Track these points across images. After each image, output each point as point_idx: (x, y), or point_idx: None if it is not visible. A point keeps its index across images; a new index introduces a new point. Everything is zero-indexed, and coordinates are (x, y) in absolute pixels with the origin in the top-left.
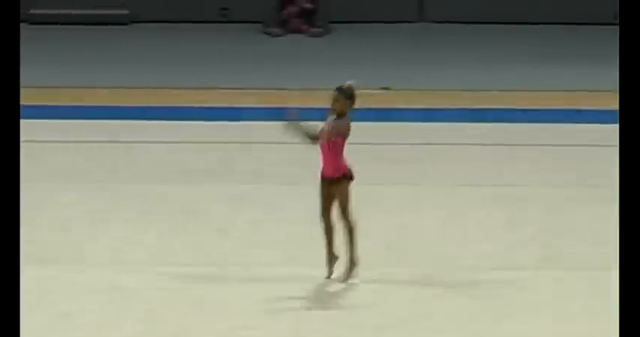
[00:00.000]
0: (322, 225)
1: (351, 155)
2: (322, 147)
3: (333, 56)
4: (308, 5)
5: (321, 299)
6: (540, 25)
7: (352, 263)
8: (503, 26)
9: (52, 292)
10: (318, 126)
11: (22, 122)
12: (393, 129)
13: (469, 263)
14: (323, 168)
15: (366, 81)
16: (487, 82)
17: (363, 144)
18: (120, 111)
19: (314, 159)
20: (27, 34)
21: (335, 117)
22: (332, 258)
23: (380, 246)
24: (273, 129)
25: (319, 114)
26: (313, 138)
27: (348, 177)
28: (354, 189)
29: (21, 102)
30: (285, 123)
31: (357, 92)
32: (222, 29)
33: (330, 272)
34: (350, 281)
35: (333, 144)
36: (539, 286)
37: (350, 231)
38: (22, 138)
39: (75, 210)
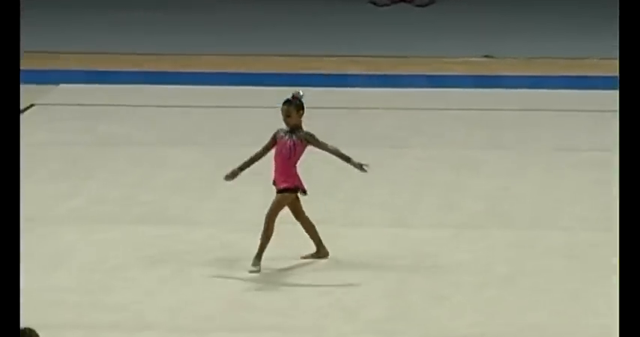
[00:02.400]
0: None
1: (456, 121)
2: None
3: (438, 25)
4: None
5: (423, 257)
6: None
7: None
8: None
9: (166, 251)
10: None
11: (144, 88)
12: (494, 95)
13: (567, 224)
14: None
15: (470, 49)
16: (587, 50)
17: (464, 109)
18: (228, 78)
19: (421, 124)
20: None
21: (288, 132)
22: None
23: (481, 208)
24: (382, 95)
25: (426, 80)
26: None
27: (292, 190)
28: None
29: (147, 69)
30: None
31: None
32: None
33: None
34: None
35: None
36: None
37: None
38: (138, 103)
39: (188, 172)
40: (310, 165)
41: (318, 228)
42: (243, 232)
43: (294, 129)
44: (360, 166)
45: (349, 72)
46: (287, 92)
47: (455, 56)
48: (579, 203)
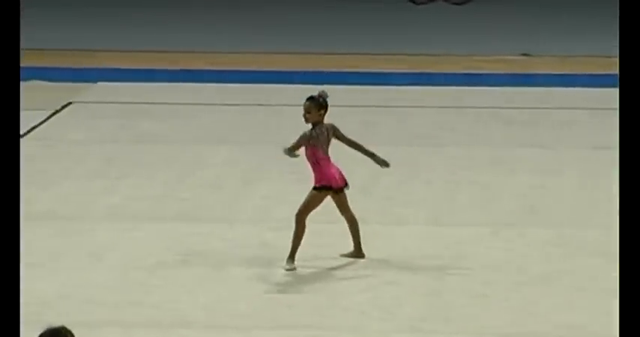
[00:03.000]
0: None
1: (492, 119)
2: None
3: (475, 23)
4: None
5: (460, 256)
6: None
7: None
8: None
9: (203, 248)
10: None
11: (181, 85)
12: (531, 93)
13: (604, 223)
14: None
15: (507, 47)
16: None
17: (501, 108)
18: (266, 76)
19: (457, 122)
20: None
21: (311, 127)
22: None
23: (517, 206)
24: (418, 93)
25: (462, 78)
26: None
27: (318, 188)
28: None
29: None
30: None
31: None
32: None
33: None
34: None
35: (310, 155)
36: None
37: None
38: (175, 101)
39: (224, 170)
40: (346, 163)
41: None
42: (280, 230)
43: (313, 126)
44: (383, 162)
45: (386, 70)
46: (325, 90)
47: (492, 54)
48: (616, 201)
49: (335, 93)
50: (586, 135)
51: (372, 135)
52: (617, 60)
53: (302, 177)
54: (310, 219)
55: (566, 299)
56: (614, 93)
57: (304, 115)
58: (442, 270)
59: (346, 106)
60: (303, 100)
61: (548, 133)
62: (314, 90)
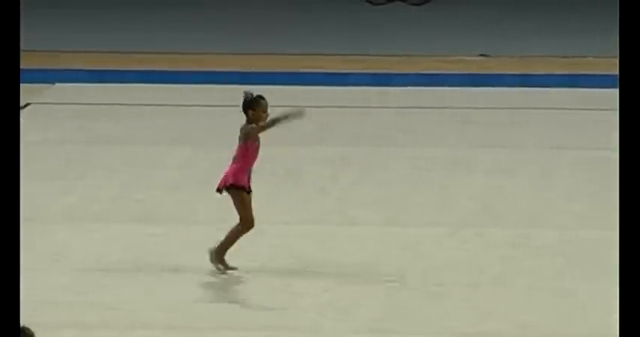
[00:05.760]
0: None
1: (450, 119)
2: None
3: (433, 24)
4: None
5: (417, 256)
6: None
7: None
8: None
9: (161, 250)
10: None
11: (139, 87)
12: (489, 94)
13: (561, 222)
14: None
15: (465, 48)
16: (583, 49)
17: (459, 108)
18: (224, 77)
19: (415, 122)
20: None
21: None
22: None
23: (475, 207)
24: (376, 94)
25: (421, 79)
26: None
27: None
28: None
29: (142, 68)
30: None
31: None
32: None
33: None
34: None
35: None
36: None
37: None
38: (133, 102)
39: (182, 171)
40: (302, 164)
41: (312, 228)
42: None
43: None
44: (298, 114)
45: (343, 70)
46: (281, 91)
47: (450, 55)
48: (574, 201)
49: (292, 94)
50: (543, 135)
51: (329, 136)
52: (574, 60)
53: (263, 178)
54: (267, 219)
55: (523, 299)
56: (572, 93)
57: (265, 114)
58: (400, 271)
59: (303, 107)
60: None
61: (505, 133)
62: (272, 90)
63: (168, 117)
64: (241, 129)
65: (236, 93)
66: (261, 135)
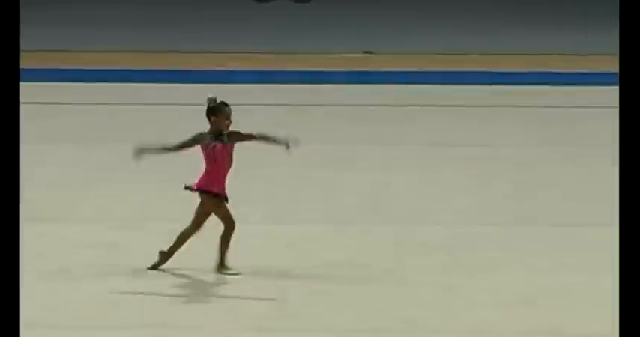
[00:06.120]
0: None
1: (335, 116)
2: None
3: (318, 21)
4: None
5: (303, 254)
6: None
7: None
8: None
9: (45, 248)
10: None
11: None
12: (373, 91)
13: (445, 219)
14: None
15: (350, 45)
16: (467, 46)
17: (344, 105)
18: (107, 75)
19: (300, 120)
20: None
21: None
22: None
23: (359, 204)
24: (261, 91)
25: (306, 76)
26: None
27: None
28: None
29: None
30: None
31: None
32: None
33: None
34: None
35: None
36: (512, 242)
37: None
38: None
39: (67, 169)
40: (194, 163)
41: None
42: (122, 230)
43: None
44: (289, 142)
45: (229, 68)
46: (169, 89)
47: (335, 52)
48: (456, 197)
49: (178, 92)
50: (426, 132)
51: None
52: (456, 57)
53: (145, 176)
54: (154, 218)
55: (409, 295)
56: (455, 90)
57: (227, 121)
58: (286, 268)
59: (190, 105)
60: (143, 99)
61: (389, 130)
62: (157, 88)
63: (53, 115)
64: (202, 136)
65: (117, 91)
66: (147, 134)
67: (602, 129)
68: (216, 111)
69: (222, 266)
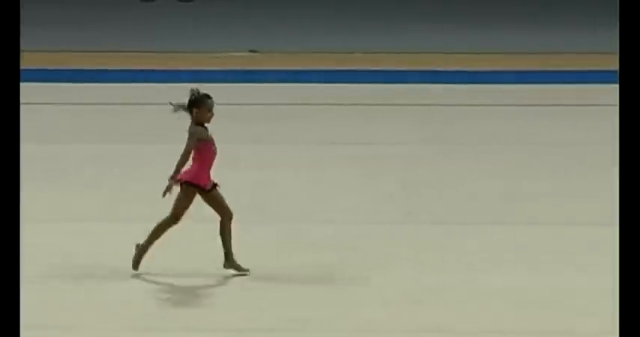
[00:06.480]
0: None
1: (219, 116)
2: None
3: (202, 20)
4: None
5: (187, 252)
6: None
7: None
8: None
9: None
10: None
11: None
12: (259, 90)
13: (332, 217)
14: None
15: (235, 44)
16: (352, 45)
17: (228, 104)
18: None
19: (181, 119)
20: None
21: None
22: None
23: (245, 202)
24: (137, 91)
25: (187, 76)
26: None
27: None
28: None
29: None
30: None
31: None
32: None
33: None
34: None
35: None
36: (399, 240)
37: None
38: None
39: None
40: (67, 162)
41: (81, 226)
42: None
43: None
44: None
45: (106, 67)
46: (45, 88)
47: (220, 51)
48: (343, 196)
49: (47, 91)
50: (314, 130)
51: (86, 133)
52: (344, 55)
53: (25, 176)
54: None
55: (296, 294)
56: (342, 88)
57: (209, 113)
58: (168, 268)
59: (60, 104)
60: (28, 98)
61: (274, 129)
62: (27, 88)
63: None
64: (189, 129)
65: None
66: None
67: (481, 127)
68: (199, 103)
69: (229, 260)
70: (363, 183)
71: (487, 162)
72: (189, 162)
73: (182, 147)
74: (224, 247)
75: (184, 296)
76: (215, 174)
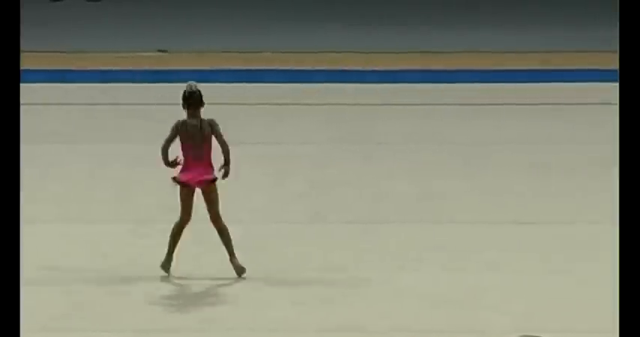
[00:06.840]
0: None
1: (129, 116)
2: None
3: (110, 20)
4: None
5: (99, 253)
6: None
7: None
8: None
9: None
10: None
11: None
12: (169, 90)
13: (241, 217)
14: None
15: (143, 44)
16: (261, 44)
17: (137, 104)
18: None
19: (95, 119)
20: None
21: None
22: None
23: (156, 202)
24: (53, 91)
25: (96, 76)
26: None
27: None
28: None
29: None
30: None
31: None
32: None
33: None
34: None
35: None
36: (308, 239)
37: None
38: None
39: None
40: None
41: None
42: None
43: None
44: (226, 174)
45: (22, 67)
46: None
47: (128, 51)
48: (253, 196)
49: None
50: (222, 130)
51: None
52: (257, 55)
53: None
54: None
55: (208, 294)
56: (249, 88)
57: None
58: (80, 268)
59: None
60: None
61: None
62: None
63: None
64: (202, 126)
65: None
66: None
67: (392, 126)
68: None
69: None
70: (272, 183)
71: (399, 162)
72: (199, 159)
73: (91, 147)
74: (227, 247)
75: (91, 297)
76: (126, 175)
